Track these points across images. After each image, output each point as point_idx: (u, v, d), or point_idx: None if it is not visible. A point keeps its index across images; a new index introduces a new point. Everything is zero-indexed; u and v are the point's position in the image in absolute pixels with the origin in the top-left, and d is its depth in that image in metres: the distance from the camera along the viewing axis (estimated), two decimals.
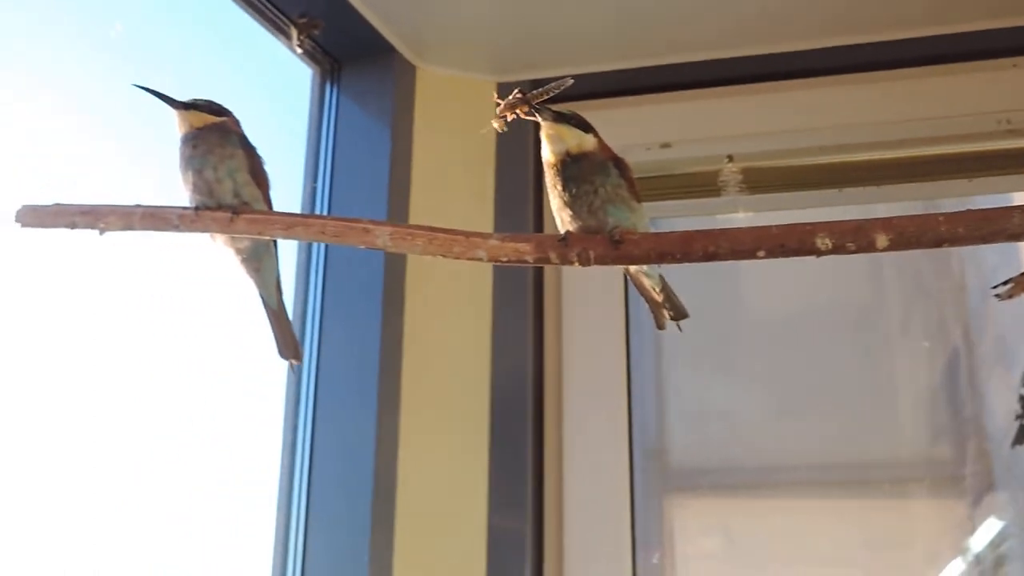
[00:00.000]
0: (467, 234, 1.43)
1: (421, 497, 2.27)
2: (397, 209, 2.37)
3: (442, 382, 2.38)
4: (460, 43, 2.50)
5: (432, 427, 2.33)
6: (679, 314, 1.58)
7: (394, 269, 2.34)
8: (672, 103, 2.52)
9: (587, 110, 2.55)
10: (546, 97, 1.47)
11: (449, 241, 1.44)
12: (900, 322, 2.65)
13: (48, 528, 1.77)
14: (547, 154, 1.47)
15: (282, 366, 2.24)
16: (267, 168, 1.56)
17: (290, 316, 2.18)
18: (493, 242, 1.42)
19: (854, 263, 2.43)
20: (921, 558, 2.50)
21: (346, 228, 1.49)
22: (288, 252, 2.38)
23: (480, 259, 1.43)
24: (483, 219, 2.46)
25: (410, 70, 2.50)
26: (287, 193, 2.40)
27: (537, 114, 1.45)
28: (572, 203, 1.42)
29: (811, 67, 2.42)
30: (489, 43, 2.50)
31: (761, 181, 2.47)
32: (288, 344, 1.62)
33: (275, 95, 2.49)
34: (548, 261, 1.42)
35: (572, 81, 1.42)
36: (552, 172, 1.45)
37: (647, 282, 1.54)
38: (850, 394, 2.54)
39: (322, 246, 2.34)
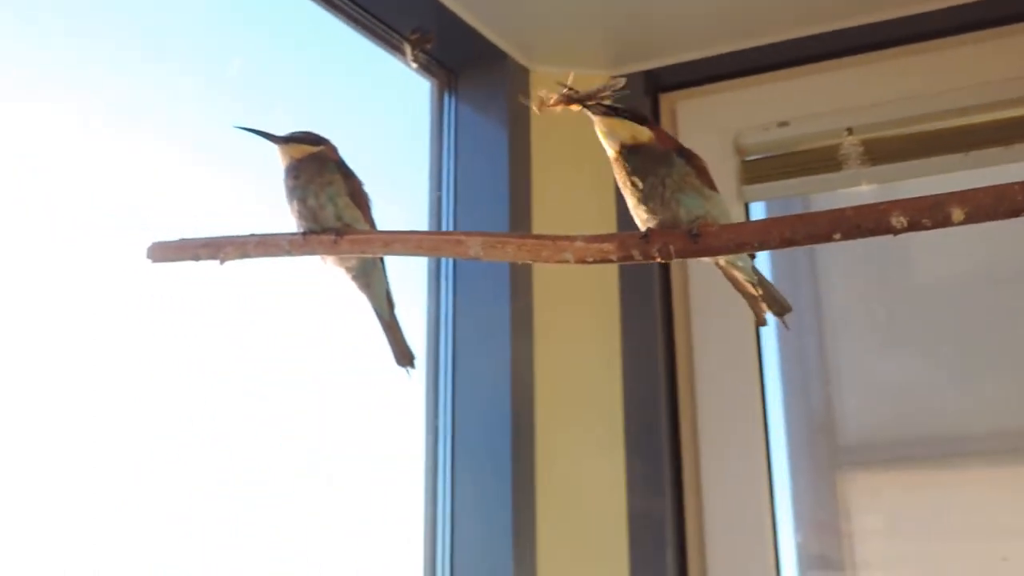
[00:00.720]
0: (554, 238, 1.48)
1: (561, 488, 2.34)
2: (519, 212, 2.44)
3: (574, 374, 2.45)
4: (570, 41, 2.54)
5: (567, 420, 2.40)
6: (781, 308, 1.56)
7: (520, 270, 2.42)
8: (787, 80, 2.51)
9: (701, 95, 2.59)
10: (592, 96, 1.43)
11: (537, 247, 1.49)
12: None
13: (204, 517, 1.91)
14: (607, 150, 1.47)
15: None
16: (366, 189, 1.65)
17: (423, 323, 2.30)
18: (579, 244, 1.47)
19: None
20: None
21: (441, 241, 1.57)
22: (420, 261, 2.50)
23: (567, 261, 1.47)
24: (606, 214, 2.49)
25: (523, 73, 2.56)
26: (414, 204, 2.52)
27: (588, 110, 1.44)
28: (644, 199, 1.43)
29: (927, 30, 2.36)
30: (599, 37, 2.53)
31: (883, 152, 2.42)
32: (403, 352, 1.71)
33: (396, 111, 2.59)
34: (631, 259, 1.45)
35: (624, 83, 1.41)
36: (617, 167, 1.46)
37: (740, 275, 1.53)
38: None
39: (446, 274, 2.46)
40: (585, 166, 2.54)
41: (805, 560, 2.47)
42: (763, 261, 2.66)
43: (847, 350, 2.62)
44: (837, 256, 2.61)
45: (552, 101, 1.43)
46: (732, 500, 2.36)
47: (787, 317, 1.58)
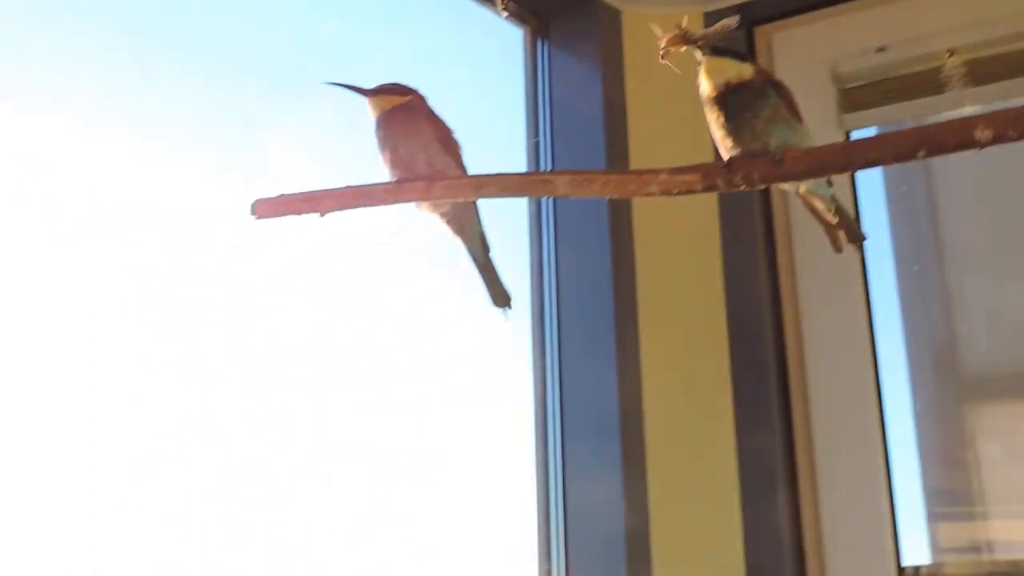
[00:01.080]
0: (639, 172, 1.51)
1: (668, 426, 2.36)
2: (615, 152, 2.46)
3: (677, 310, 2.46)
4: None
5: (672, 358, 2.42)
6: (854, 237, 1.59)
7: (619, 208, 2.44)
8: (883, 5, 2.46)
9: (796, 26, 2.56)
10: (707, 36, 1.50)
11: (622, 181, 1.52)
12: None
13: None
14: (706, 88, 1.51)
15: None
16: (457, 136, 1.69)
17: (526, 268, 2.34)
18: (663, 176, 1.49)
19: None
20: None
21: (529, 182, 1.61)
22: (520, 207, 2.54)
23: (653, 193, 1.50)
24: (701, 148, 2.48)
25: (614, 15, 2.57)
26: (512, 152, 2.56)
27: (697, 50, 1.50)
28: (734, 131, 1.47)
29: None
30: None
31: (986, 72, 2.36)
32: (499, 294, 1.75)
33: (490, 61, 2.63)
34: (716, 188, 1.47)
35: (737, 22, 1.45)
36: (712, 105, 1.50)
37: (819, 204, 1.56)
38: None
39: (547, 215, 2.48)
40: (680, 104, 2.53)
41: (931, 493, 2.46)
42: (878, 189, 2.64)
43: (969, 280, 2.58)
44: (957, 183, 2.56)
45: (667, 42, 1.49)
46: (842, 432, 2.35)
47: (863, 243, 1.62)
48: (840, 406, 2.36)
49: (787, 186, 1.50)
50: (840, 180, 2.15)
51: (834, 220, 1.57)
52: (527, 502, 2.37)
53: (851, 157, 1.38)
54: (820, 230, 1.62)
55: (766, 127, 1.46)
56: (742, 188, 1.46)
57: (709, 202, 2.49)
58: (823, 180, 1.52)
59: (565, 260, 2.47)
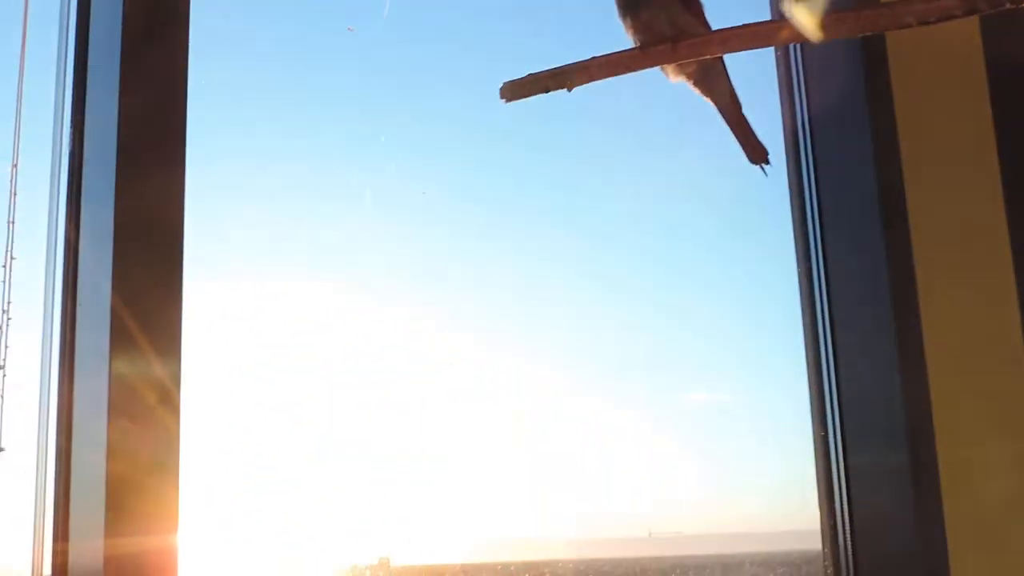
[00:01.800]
0: (890, 5, 1.46)
1: (946, 321, 2.15)
2: None
3: (944, 164, 2.31)
4: None
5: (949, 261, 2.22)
6: None
7: (873, 52, 2.32)
8: None
9: None
10: None
11: (874, 16, 1.47)
12: None
13: None
14: None
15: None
16: None
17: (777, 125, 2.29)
18: (918, 5, 1.43)
19: None
20: None
21: (778, 28, 1.57)
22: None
23: (909, 24, 1.44)
24: None
25: None
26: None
27: None
28: None
29: None
30: None
31: None
32: (755, 149, 1.74)
33: None
34: (977, 11, 1.40)
35: None
36: None
37: None
38: None
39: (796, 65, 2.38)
40: None
41: None
42: None
43: None
44: None
45: None
46: None
47: None
48: None
49: None
50: None
51: None
52: None
53: None
54: None
55: None
56: (1007, 7, 1.37)
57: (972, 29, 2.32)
58: None
59: (818, 115, 2.38)
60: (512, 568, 2.17)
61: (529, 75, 1.72)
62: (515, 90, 1.74)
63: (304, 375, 2.03)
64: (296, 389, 2.01)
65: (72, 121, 1.61)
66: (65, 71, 1.61)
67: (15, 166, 1.52)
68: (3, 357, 1.46)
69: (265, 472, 1.93)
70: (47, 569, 1.38)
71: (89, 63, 1.64)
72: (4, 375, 1.46)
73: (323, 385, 2.04)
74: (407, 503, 2.07)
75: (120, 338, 1.40)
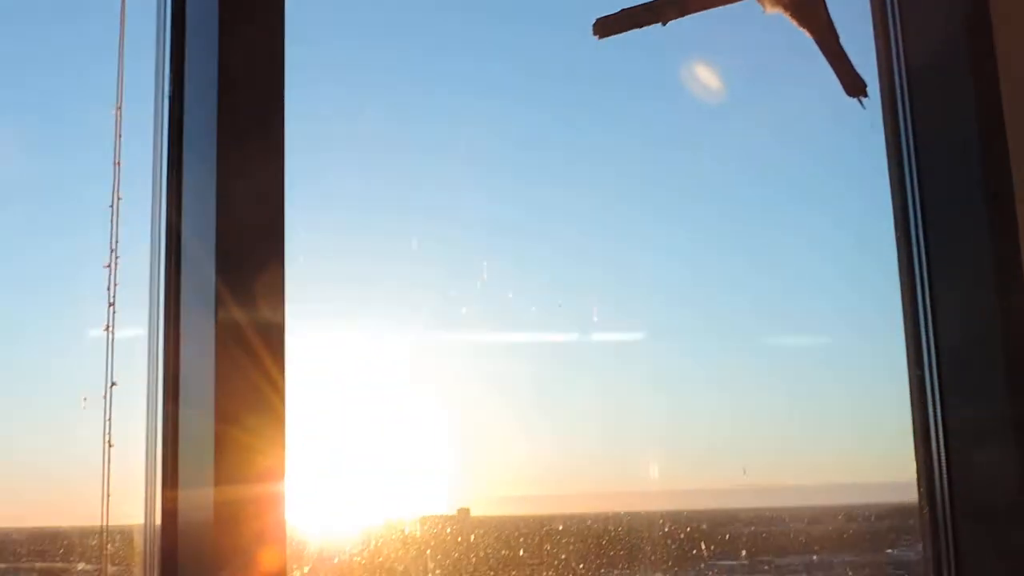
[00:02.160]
0: None
1: None
2: None
3: None
4: None
5: None
6: None
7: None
8: None
9: None
10: None
11: None
12: None
13: None
14: None
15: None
16: None
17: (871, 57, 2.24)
18: None
19: None
20: None
21: None
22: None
23: None
24: None
25: None
26: None
27: None
28: None
29: None
30: None
31: None
32: (853, 81, 1.71)
33: None
34: None
35: None
36: None
37: None
38: None
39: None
40: None
41: None
42: None
43: None
44: None
45: None
46: None
47: None
48: None
49: None
50: None
51: None
52: None
53: None
54: None
55: None
56: None
57: None
58: None
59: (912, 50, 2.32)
60: (589, 520, 2.19)
61: (622, 10, 1.71)
62: (608, 26, 1.73)
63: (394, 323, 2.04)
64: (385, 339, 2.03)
65: (171, 68, 1.62)
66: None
67: (119, 108, 1.54)
68: (113, 296, 1.49)
69: (357, 421, 1.96)
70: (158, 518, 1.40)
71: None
72: (114, 312, 1.49)
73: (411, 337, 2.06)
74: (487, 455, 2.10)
75: (225, 282, 1.41)
